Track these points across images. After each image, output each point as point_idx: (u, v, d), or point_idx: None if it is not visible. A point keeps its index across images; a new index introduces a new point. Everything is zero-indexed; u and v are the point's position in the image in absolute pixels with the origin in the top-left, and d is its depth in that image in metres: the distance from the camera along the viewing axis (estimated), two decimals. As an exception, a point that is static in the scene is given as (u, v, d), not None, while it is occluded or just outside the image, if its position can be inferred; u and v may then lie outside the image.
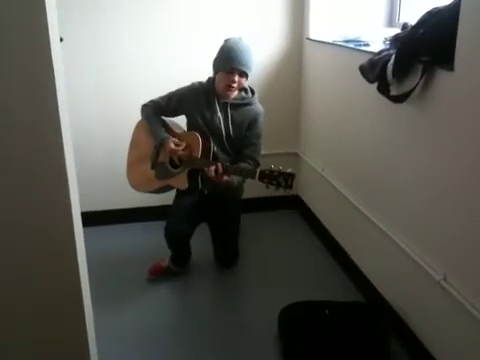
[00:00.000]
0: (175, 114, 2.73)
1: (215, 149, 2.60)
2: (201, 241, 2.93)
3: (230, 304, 2.66)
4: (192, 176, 2.57)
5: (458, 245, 1.80)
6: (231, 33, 2.67)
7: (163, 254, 2.84)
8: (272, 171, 2.26)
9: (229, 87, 2.53)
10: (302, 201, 3.60)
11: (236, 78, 2.49)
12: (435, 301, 1.97)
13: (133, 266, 2.93)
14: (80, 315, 1.56)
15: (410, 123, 2.06)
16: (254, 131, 2.65)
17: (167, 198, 2.86)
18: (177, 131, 2.73)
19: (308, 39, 3.24)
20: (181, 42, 3.18)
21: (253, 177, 2.30)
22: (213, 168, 2.39)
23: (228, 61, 2.48)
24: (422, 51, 1.86)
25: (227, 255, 2.96)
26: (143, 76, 3.18)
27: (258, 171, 2.29)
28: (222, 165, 2.40)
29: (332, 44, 2.91)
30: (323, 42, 3.04)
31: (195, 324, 2.47)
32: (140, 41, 3.13)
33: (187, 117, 2.70)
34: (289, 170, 2.26)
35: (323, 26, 3.17)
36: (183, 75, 2.90)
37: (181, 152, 2.55)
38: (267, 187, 2.27)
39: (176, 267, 2.84)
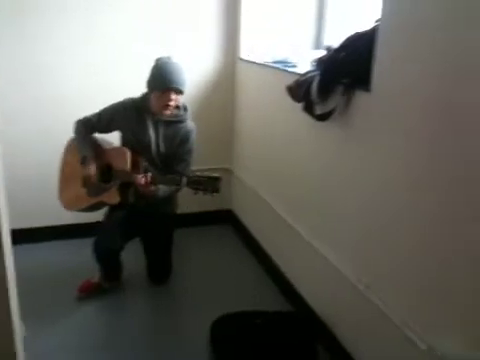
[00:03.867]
0: (107, 130, 2.73)
1: (145, 164, 2.62)
2: (133, 256, 2.91)
3: (163, 320, 2.67)
4: (123, 191, 2.58)
5: (381, 256, 1.92)
6: (166, 51, 2.72)
7: (95, 272, 2.80)
8: (199, 177, 2.33)
9: (166, 106, 2.58)
10: (235, 216, 3.68)
11: (173, 97, 2.55)
12: (359, 309, 2.08)
13: (64, 284, 2.86)
14: (9, 334, 1.53)
15: (334, 140, 2.20)
16: (186, 147, 2.70)
17: (99, 215, 2.83)
18: (107, 147, 2.74)
19: (240, 59, 3.35)
20: (116, 58, 3.19)
21: (180, 184, 2.37)
22: (140, 176, 2.43)
23: (163, 81, 2.53)
24: (343, 73, 2.00)
25: (160, 270, 2.96)
26: (76, 90, 3.15)
27: (185, 178, 2.36)
28: (152, 175, 2.45)
29: (262, 64, 3.02)
30: (254, 62, 3.15)
31: (127, 341, 2.46)
32: (74, 56, 3.11)
33: (120, 132, 2.72)
34: (215, 174, 2.34)
35: (254, 47, 3.29)
36: (117, 91, 2.91)
37: (93, 178, 2.60)
38: (195, 193, 2.34)
39: (107, 283, 2.81)
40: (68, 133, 2.74)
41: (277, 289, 2.90)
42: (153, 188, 2.48)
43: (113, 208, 2.73)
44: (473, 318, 1.48)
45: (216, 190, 2.33)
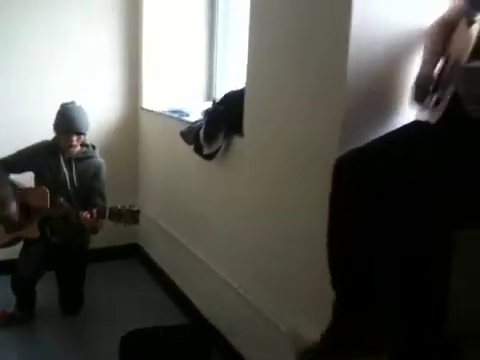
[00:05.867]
0: (23, 170, 3.02)
1: (61, 200, 2.94)
2: (46, 289, 3.10)
3: (75, 346, 2.86)
4: (41, 226, 2.87)
5: (253, 264, 2.41)
6: (73, 98, 3.06)
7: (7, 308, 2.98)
8: (120, 209, 2.70)
9: (70, 147, 2.95)
10: (141, 249, 4.01)
11: (74, 138, 2.92)
12: (242, 311, 2.52)
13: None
14: None
15: (218, 175, 2.70)
16: (100, 181, 3.06)
17: (10, 252, 3.04)
18: (22, 187, 3.02)
19: (142, 108, 3.80)
20: (28, 103, 3.47)
21: (103, 216, 2.71)
22: (86, 212, 2.73)
23: (64, 125, 2.91)
24: (223, 122, 2.52)
25: (72, 300, 3.17)
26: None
27: (107, 210, 2.70)
28: (97, 209, 2.75)
29: (161, 114, 3.50)
30: (154, 111, 3.62)
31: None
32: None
33: (35, 172, 3.02)
34: (135, 208, 2.73)
35: (155, 97, 3.74)
36: (28, 134, 3.19)
37: (12, 217, 2.85)
38: (116, 224, 2.69)
39: (21, 314, 3.00)
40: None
41: (183, 314, 3.20)
42: (100, 221, 2.79)
43: (29, 242, 2.98)
44: (312, 303, 1.99)
45: (136, 221, 2.70)
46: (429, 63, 1.65)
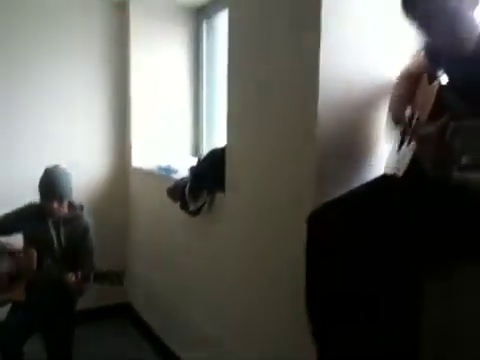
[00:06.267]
0: (12, 231, 3.02)
1: (49, 262, 2.94)
2: (35, 348, 3.04)
3: None
4: (28, 288, 2.86)
5: (233, 316, 2.43)
6: (63, 160, 3.13)
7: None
8: (105, 272, 2.73)
9: (52, 212, 2.95)
10: (134, 309, 3.98)
11: (55, 205, 2.92)
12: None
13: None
14: None
15: (204, 230, 2.75)
16: (88, 240, 3.05)
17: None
18: (9, 248, 3.03)
19: (131, 166, 3.88)
20: (9, 163, 3.59)
21: (88, 281, 2.73)
22: (70, 274, 2.73)
23: (45, 191, 2.91)
24: (207, 179, 2.58)
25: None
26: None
27: (92, 274, 2.72)
28: (81, 273, 2.74)
29: (150, 172, 3.58)
30: (143, 170, 3.70)
31: None
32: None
33: (23, 234, 3.02)
34: (119, 269, 2.76)
35: (143, 155, 3.84)
36: (13, 196, 3.27)
37: (22, 257, 2.86)
38: (100, 285, 2.71)
39: (9, 378, 2.95)
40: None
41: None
42: (86, 284, 2.78)
43: (16, 305, 2.94)
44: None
45: (121, 283, 2.73)
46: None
